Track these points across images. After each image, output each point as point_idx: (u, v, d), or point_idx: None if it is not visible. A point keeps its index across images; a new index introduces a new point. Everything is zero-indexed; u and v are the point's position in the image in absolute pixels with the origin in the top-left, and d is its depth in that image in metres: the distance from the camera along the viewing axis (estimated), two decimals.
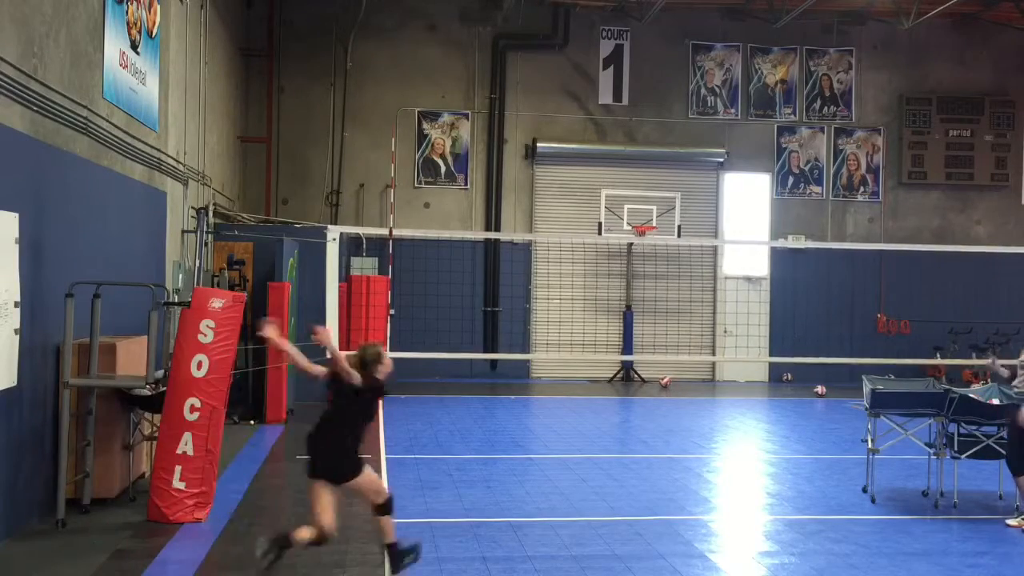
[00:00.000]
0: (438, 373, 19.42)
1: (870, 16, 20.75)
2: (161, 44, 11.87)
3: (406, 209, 19.86)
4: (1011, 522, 8.54)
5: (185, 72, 13.47)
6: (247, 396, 13.81)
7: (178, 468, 8.05)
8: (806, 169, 21.13)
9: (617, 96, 20.60)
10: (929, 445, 9.31)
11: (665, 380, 19.49)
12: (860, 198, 21.28)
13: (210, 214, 14.10)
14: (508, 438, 12.91)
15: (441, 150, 20.28)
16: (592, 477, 10.32)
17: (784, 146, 21.09)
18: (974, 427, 9.08)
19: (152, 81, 11.47)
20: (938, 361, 18.74)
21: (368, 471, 6.54)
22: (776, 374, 20.71)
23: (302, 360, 6.49)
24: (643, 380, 19.97)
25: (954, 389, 9.22)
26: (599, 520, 8.50)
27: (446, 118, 20.30)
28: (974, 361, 18.34)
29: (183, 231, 13.15)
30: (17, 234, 7.37)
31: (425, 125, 20.25)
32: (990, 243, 20.66)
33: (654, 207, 19.51)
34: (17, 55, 7.58)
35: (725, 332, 20.48)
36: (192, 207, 13.55)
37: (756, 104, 21.00)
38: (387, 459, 11.06)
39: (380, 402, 6.79)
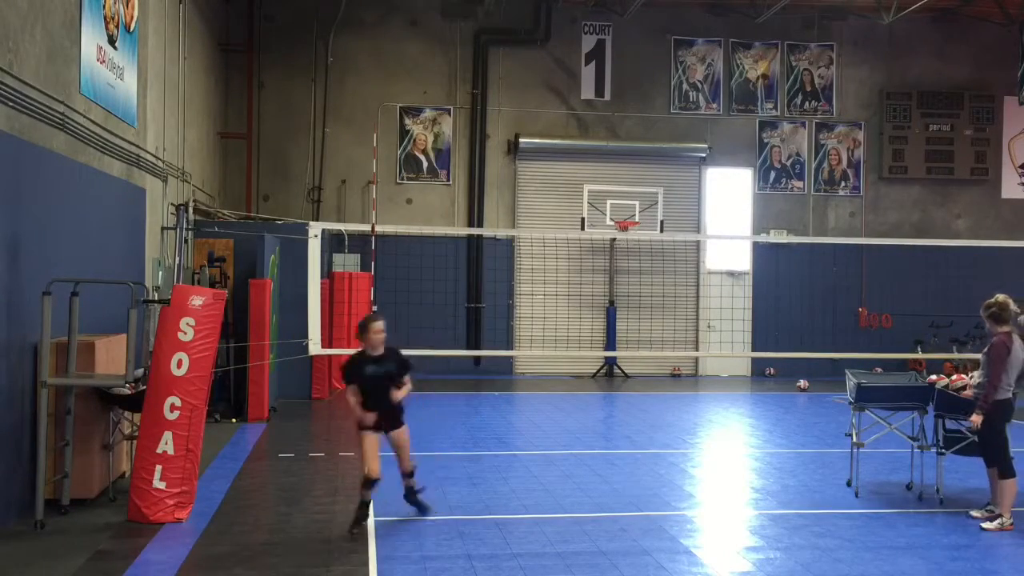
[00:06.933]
0: (421, 370, 19.35)
1: (851, 11, 20.83)
2: (139, 39, 11.74)
3: (388, 205, 19.77)
4: (975, 513, 8.53)
5: (164, 67, 13.34)
6: (228, 394, 13.72)
7: (158, 468, 7.96)
8: (788, 164, 21.19)
9: (599, 91, 20.58)
10: (913, 439, 9.34)
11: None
12: (841, 193, 21.36)
13: (190, 211, 13.99)
14: (492, 435, 12.87)
15: (423, 146, 20.20)
16: (577, 473, 10.29)
17: (766, 141, 21.14)
18: (952, 422, 9.11)
19: (130, 76, 11.34)
20: (919, 355, 18.85)
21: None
22: (759, 369, 20.76)
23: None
24: (626, 375, 19.98)
25: (936, 383, 9.25)
26: (584, 516, 8.48)
27: (428, 113, 20.22)
28: (954, 355, 18.45)
29: (163, 228, 13.04)
30: None
31: (407, 121, 20.17)
32: (970, 237, 20.80)
33: (637, 202, 19.51)
34: None
35: (709, 327, 20.52)
36: (172, 204, 13.43)
37: (738, 99, 21.03)
38: None
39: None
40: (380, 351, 7.93)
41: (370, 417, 7.89)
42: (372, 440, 7.93)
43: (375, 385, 7.89)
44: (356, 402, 7.94)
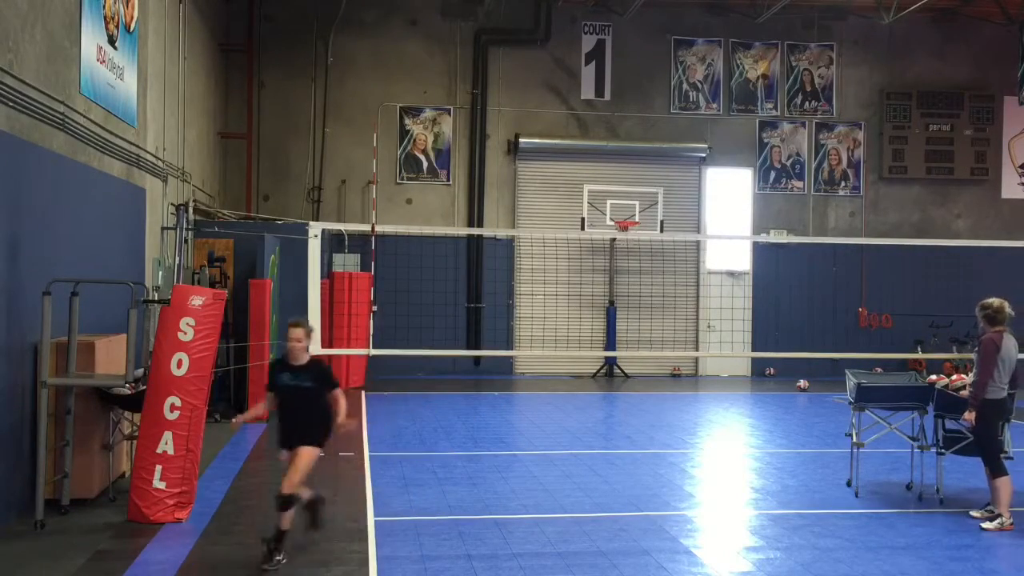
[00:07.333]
0: (421, 370, 19.37)
1: (851, 11, 20.83)
2: (139, 39, 11.74)
3: (388, 205, 19.78)
4: (975, 513, 8.57)
5: (164, 67, 13.34)
6: (228, 394, 13.72)
7: (158, 468, 7.97)
8: (788, 164, 21.19)
9: (599, 91, 20.58)
10: (913, 439, 9.34)
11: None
12: (841, 192, 21.36)
13: (190, 211, 13.99)
14: (492, 434, 12.87)
15: (423, 146, 20.20)
16: (576, 473, 10.29)
17: (766, 141, 21.13)
18: (952, 422, 9.12)
19: (130, 76, 11.34)
20: (919, 355, 18.85)
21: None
22: (759, 369, 20.76)
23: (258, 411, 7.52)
24: (626, 375, 19.98)
25: (936, 383, 9.26)
26: (584, 516, 8.48)
27: (428, 113, 20.22)
28: (954, 355, 18.45)
29: (163, 228, 13.03)
30: None
31: (407, 120, 20.17)
32: (970, 237, 20.81)
33: (636, 202, 19.51)
34: None
35: (709, 327, 20.52)
36: (172, 204, 13.42)
37: (738, 99, 21.03)
38: (371, 457, 11.00)
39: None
40: (301, 361, 7.20)
41: (247, 415, 7.48)
42: (288, 458, 7.18)
43: (288, 397, 7.16)
44: (257, 410, 7.45)
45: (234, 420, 7.71)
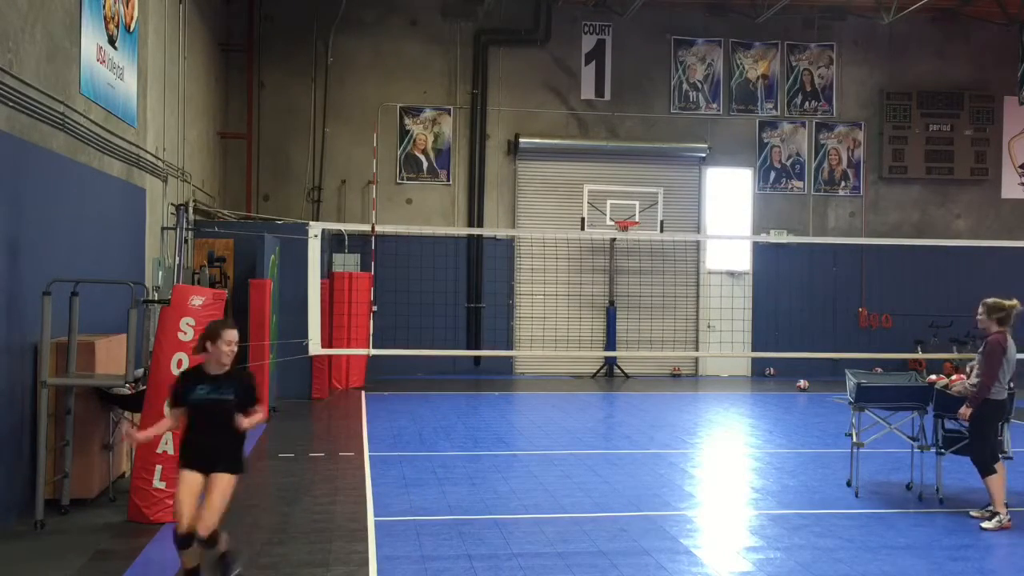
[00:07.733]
0: (421, 370, 19.37)
1: (851, 11, 20.84)
2: (139, 39, 11.74)
3: (388, 205, 19.78)
4: (974, 513, 8.57)
5: (164, 67, 13.34)
6: None
7: (158, 467, 7.96)
8: (788, 164, 21.19)
9: (599, 91, 20.58)
10: (912, 439, 9.34)
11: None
12: (841, 193, 21.36)
13: (190, 211, 13.99)
14: (492, 435, 12.87)
15: (423, 146, 20.20)
16: (576, 473, 10.29)
17: (766, 141, 21.13)
18: (952, 422, 9.12)
19: (130, 76, 11.34)
20: (919, 355, 18.85)
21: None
22: (759, 369, 20.76)
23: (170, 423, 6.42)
24: (626, 375, 19.98)
25: (935, 383, 9.26)
26: (584, 516, 8.47)
27: (428, 113, 20.22)
28: (954, 355, 18.45)
29: (163, 228, 13.04)
30: None
31: (407, 121, 20.17)
32: (970, 237, 20.81)
33: (636, 202, 19.52)
34: None
35: (709, 327, 20.52)
36: (172, 204, 13.42)
37: (738, 99, 21.03)
38: (371, 457, 11.00)
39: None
40: (223, 370, 6.19)
41: (139, 434, 6.71)
42: (189, 482, 6.07)
43: (204, 412, 6.12)
44: (155, 431, 6.63)
45: (132, 433, 6.71)
